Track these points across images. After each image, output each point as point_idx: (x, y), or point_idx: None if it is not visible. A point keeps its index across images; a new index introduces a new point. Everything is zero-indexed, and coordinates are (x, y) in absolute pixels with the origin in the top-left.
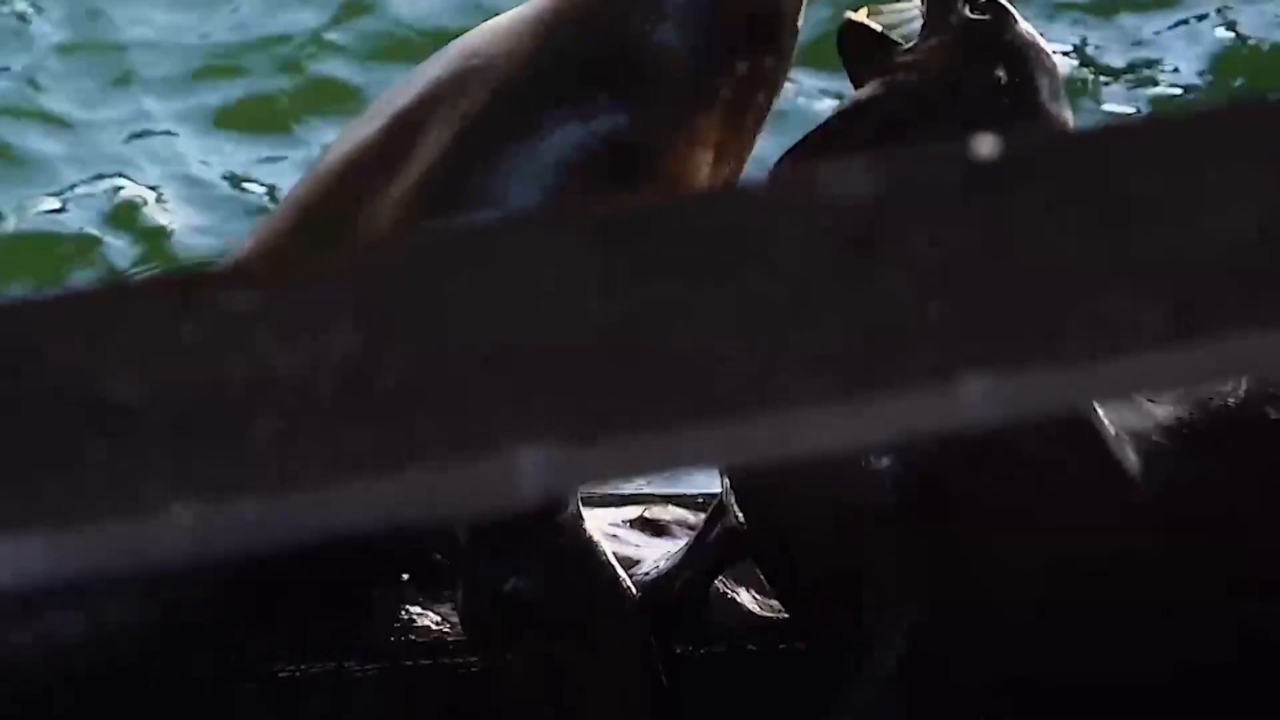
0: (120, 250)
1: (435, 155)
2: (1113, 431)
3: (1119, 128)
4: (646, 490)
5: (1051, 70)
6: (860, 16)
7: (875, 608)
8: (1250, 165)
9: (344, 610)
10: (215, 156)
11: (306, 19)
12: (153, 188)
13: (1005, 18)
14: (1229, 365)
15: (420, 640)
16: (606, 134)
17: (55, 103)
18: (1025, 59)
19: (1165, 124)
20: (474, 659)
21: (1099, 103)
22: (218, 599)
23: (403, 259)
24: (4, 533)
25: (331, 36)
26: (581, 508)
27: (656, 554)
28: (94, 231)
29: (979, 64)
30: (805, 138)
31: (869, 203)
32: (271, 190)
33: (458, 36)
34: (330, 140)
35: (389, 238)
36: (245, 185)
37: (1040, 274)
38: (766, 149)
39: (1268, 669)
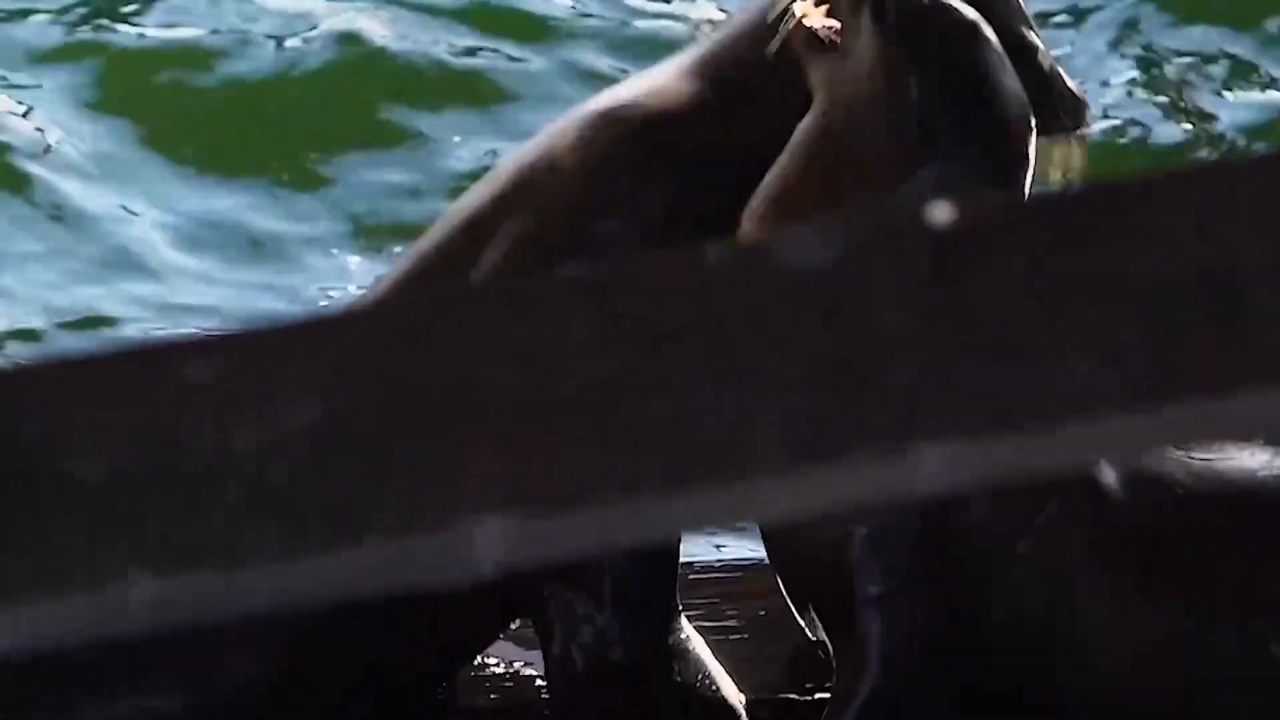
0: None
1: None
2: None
3: (1077, 194)
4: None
5: (989, 53)
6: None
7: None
8: (1197, 233)
9: (434, 679)
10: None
11: None
12: None
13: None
14: (1186, 431)
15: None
16: None
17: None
18: (960, 52)
19: (1121, 190)
20: None
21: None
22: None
23: (361, 329)
24: None
25: None
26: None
27: None
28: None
29: (907, 74)
30: (763, 186)
31: (833, 270)
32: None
33: None
34: None
35: (348, 307)
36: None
37: (1003, 343)
38: None
39: None
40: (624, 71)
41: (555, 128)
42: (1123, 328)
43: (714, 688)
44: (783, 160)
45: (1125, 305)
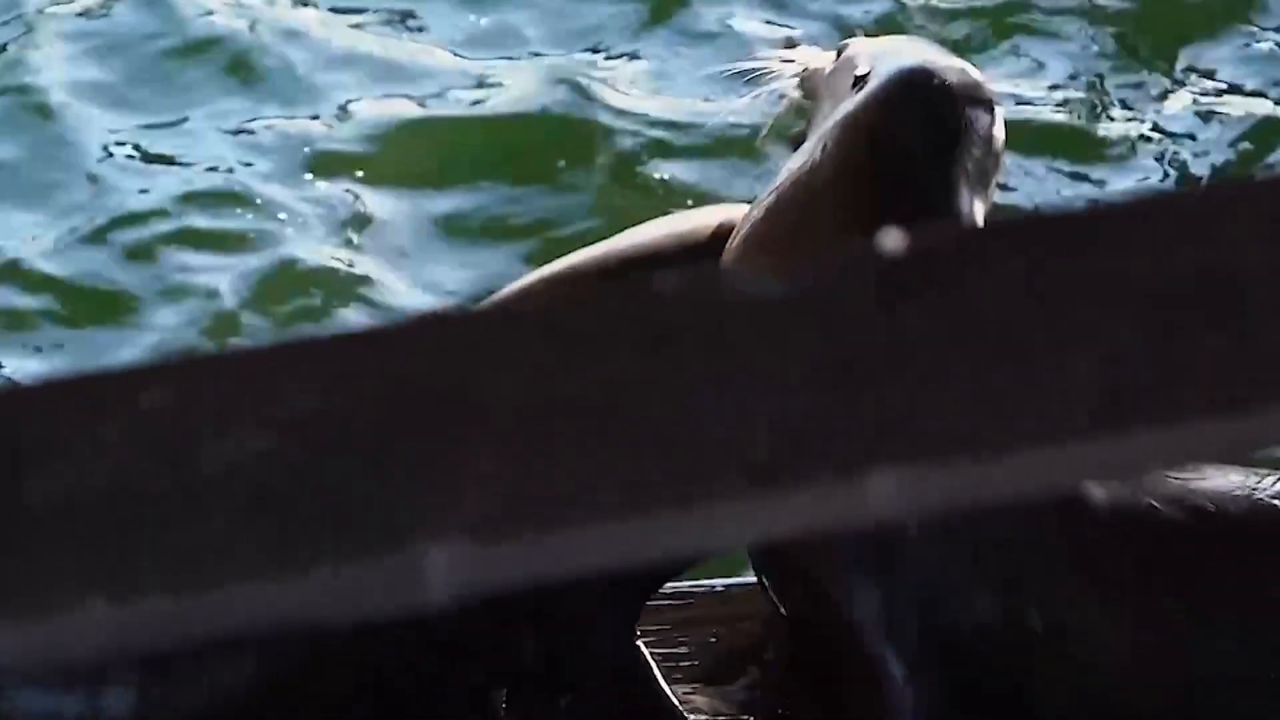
0: None
1: None
2: None
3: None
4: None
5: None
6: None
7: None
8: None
9: None
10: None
11: None
12: None
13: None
14: (1146, 459)
15: None
16: None
17: None
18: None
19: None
20: None
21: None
22: None
23: (313, 358)
24: None
25: None
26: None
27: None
28: None
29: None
30: (747, 218)
31: (790, 302)
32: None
33: None
34: None
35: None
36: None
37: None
38: None
39: None
40: None
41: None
42: (1080, 360)
43: (665, 713)
44: (763, 200)
45: (1087, 334)
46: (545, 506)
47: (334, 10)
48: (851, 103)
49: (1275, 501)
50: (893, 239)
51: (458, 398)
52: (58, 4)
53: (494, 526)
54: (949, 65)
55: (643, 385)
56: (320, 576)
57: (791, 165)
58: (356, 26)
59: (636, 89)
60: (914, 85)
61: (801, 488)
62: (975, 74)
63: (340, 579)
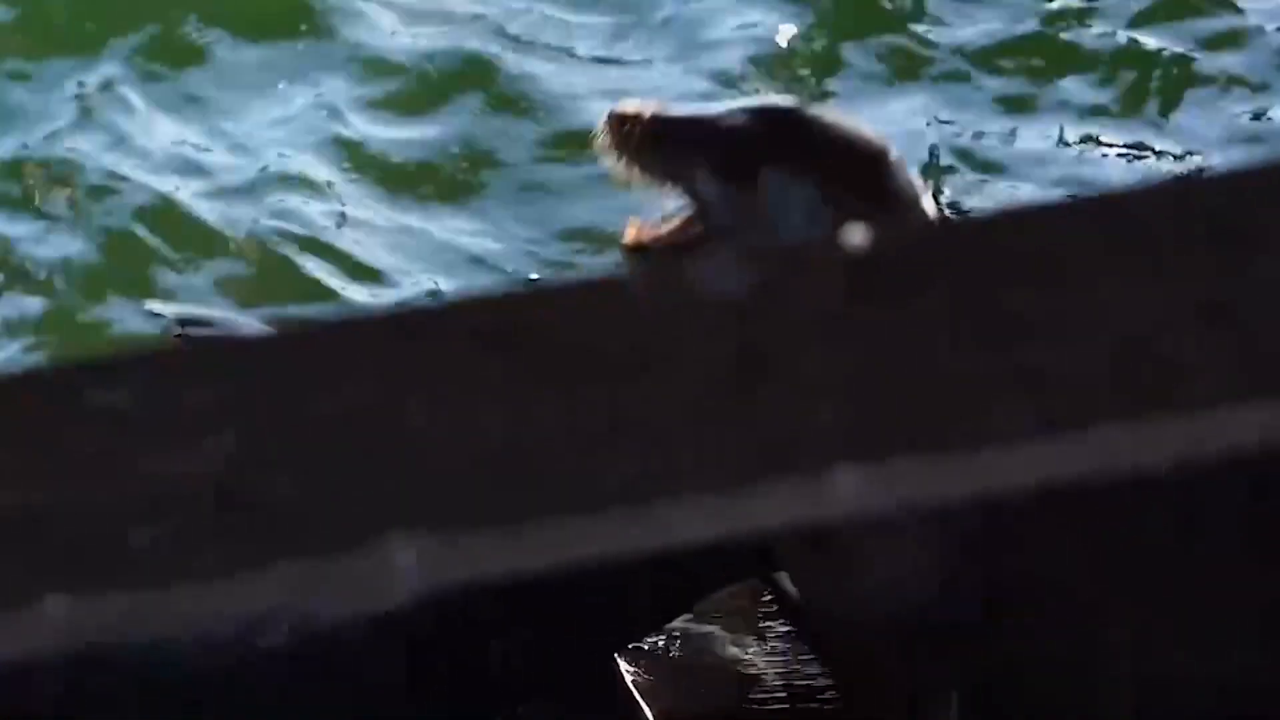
0: None
1: None
2: None
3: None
4: None
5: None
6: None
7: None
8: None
9: None
10: None
11: None
12: None
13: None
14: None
15: None
16: None
17: None
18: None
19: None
20: None
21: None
22: None
23: (279, 357)
24: None
25: None
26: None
27: None
28: None
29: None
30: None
31: (749, 306)
32: None
33: None
34: None
35: (268, 334)
36: None
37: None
38: None
39: None
40: None
41: None
42: (1040, 353)
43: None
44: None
45: (1046, 331)
46: (510, 504)
47: None
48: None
49: None
50: (856, 236)
51: (427, 394)
52: None
53: (458, 523)
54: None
55: (602, 385)
56: (284, 573)
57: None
58: None
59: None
60: None
61: (769, 486)
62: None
63: (305, 575)
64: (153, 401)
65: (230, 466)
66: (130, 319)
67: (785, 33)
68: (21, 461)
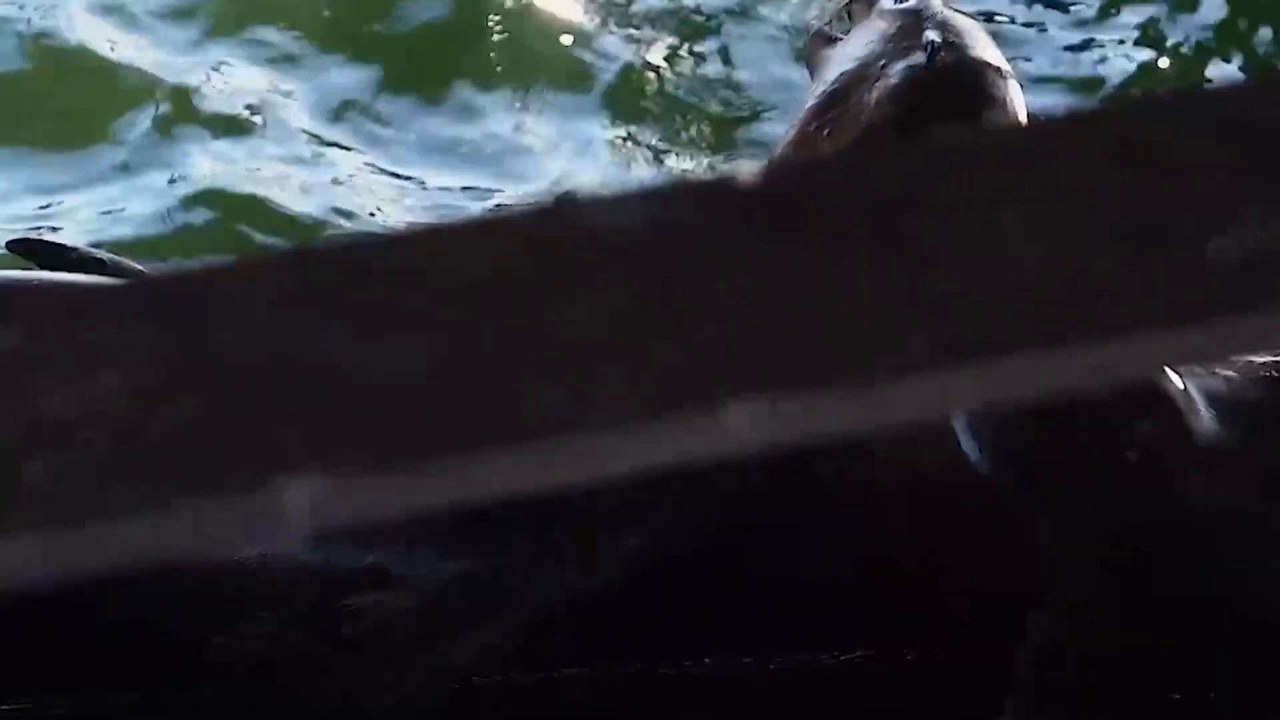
0: None
1: None
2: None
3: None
4: None
5: (978, 53)
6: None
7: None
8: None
9: None
10: None
11: None
12: None
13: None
14: (1007, 387)
15: None
16: None
17: None
18: (952, 42)
19: (955, 154)
20: None
21: None
22: None
23: (174, 294)
24: None
25: None
26: None
27: None
28: None
29: (901, 50)
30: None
31: (657, 237)
32: None
33: None
34: None
35: (166, 273)
36: None
37: (822, 306)
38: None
39: None
40: None
41: None
42: (949, 281)
43: None
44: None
45: (954, 259)
46: (415, 441)
47: None
48: (896, 76)
49: None
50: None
51: (331, 335)
52: None
53: (353, 461)
54: (980, 59)
55: (510, 319)
56: (180, 512)
57: (815, 91)
58: None
59: None
60: (945, 87)
61: (666, 421)
62: (1001, 62)
63: (200, 514)
64: (48, 338)
65: (130, 404)
66: None
67: None
68: None
